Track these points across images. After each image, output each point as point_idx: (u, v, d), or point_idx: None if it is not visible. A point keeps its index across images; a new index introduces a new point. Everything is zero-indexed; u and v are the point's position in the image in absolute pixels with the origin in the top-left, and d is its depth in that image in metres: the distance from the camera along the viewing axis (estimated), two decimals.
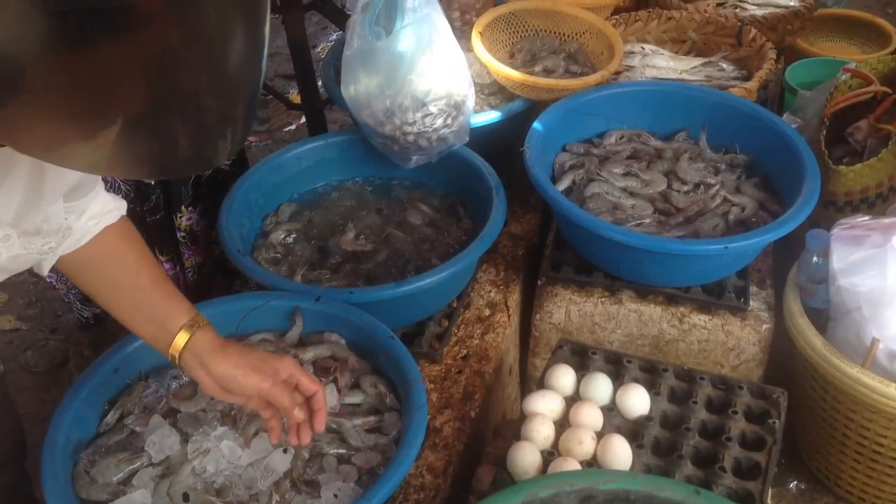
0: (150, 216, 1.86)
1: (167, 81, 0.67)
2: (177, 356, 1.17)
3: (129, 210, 1.79)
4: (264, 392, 1.16)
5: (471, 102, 1.79)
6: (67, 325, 2.53)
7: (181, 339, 1.16)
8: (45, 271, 1.15)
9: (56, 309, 2.63)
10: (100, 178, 1.15)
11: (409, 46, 1.68)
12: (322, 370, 1.42)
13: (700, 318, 1.72)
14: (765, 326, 1.71)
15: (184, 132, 0.71)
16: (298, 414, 1.18)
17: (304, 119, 3.06)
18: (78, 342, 2.29)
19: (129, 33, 0.64)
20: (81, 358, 2.29)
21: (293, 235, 1.82)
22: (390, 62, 1.69)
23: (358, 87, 1.75)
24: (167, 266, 1.94)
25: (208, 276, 1.96)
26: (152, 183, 1.81)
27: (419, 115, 1.73)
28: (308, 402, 1.21)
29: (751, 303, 1.73)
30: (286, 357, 1.22)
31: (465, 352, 1.70)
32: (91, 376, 1.37)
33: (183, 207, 1.85)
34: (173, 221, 1.88)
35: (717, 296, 1.73)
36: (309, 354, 1.44)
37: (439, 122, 1.76)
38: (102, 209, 1.16)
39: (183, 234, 1.89)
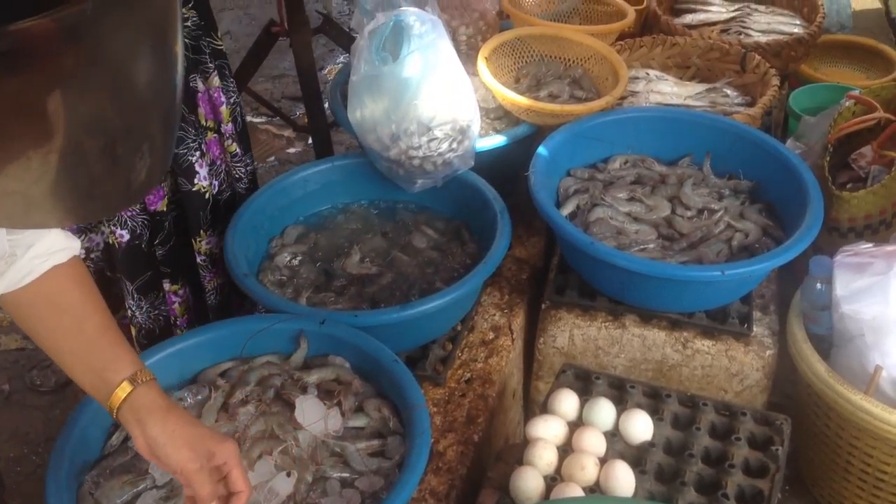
0: (160, 248, 1.87)
1: (71, 109, 0.66)
2: (114, 409, 1.11)
3: (133, 246, 1.82)
4: (187, 473, 1.09)
5: (476, 127, 1.81)
6: None
7: (121, 391, 1.10)
8: None
9: None
10: None
11: (416, 72, 1.70)
12: (326, 393, 1.43)
13: (703, 344, 1.73)
14: (768, 352, 1.72)
15: (99, 158, 0.69)
16: None
17: (310, 140, 3.07)
18: None
19: (23, 70, 0.62)
20: None
21: (299, 258, 1.83)
22: (396, 87, 1.71)
23: (364, 111, 1.77)
24: (181, 293, 1.95)
25: (228, 297, 1.97)
26: (164, 209, 1.83)
27: (424, 139, 1.75)
28: (229, 499, 1.12)
29: (754, 328, 1.73)
30: (228, 442, 1.14)
31: (468, 375, 1.70)
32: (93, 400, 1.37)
33: (202, 231, 1.87)
34: (191, 246, 1.90)
35: (721, 321, 1.73)
36: (313, 377, 1.45)
37: (444, 146, 1.77)
38: (50, 248, 1.10)
39: (203, 257, 1.90)
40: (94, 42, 0.64)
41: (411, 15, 1.72)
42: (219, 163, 1.85)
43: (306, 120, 2.91)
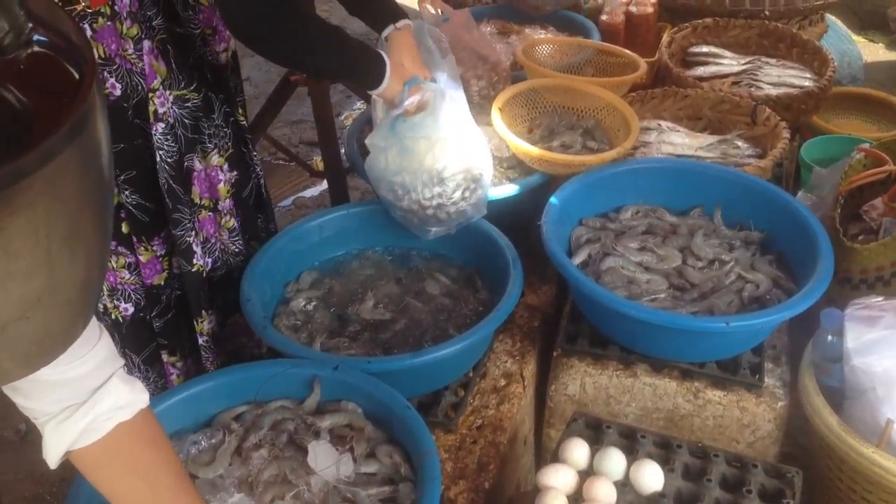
0: (157, 320, 1.87)
1: None
2: None
3: (138, 318, 1.84)
4: None
5: (488, 176, 1.84)
6: None
7: None
8: (51, 460, 1.08)
9: None
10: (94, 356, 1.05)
11: (430, 124, 1.74)
12: (339, 438, 1.44)
13: (715, 394, 1.73)
14: (780, 404, 1.72)
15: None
16: None
17: (325, 185, 3.12)
18: None
19: None
20: None
21: (313, 303, 1.85)
22: (411, 139, 1.75)
23: (378, 162, 1.80)
24: (178, 365, 1.95)
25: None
26: (162, 283, 1.85)
27: (437, 189, 1.78)
28: None
29: (766, 379, 1.73)
30: None
31: (480, 421, 1.71)
32: None
33: (204, 312, 1.88)
34: (192, 326, 1.91)
35: (733, 372, 1.74)
36: (326, 422, 1.46)
37: (457, 195, 1.81)
38: (115, 404, 1.06)
39: (206, 338, 1.91)
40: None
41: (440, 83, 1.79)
42: (213, 241, 1.87)
43: (322, 165, 2.96)
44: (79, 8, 1.57)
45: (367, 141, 1.82)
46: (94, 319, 1.02)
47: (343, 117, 4.11)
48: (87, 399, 1.04)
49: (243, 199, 1.89)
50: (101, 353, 1.04)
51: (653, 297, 1.76)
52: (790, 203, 1.87)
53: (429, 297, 1.86)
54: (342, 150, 2.78)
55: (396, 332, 1.76)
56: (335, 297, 1.88)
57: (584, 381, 1.80)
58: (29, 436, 2.44)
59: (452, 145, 1.76)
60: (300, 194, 3.69)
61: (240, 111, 1.86)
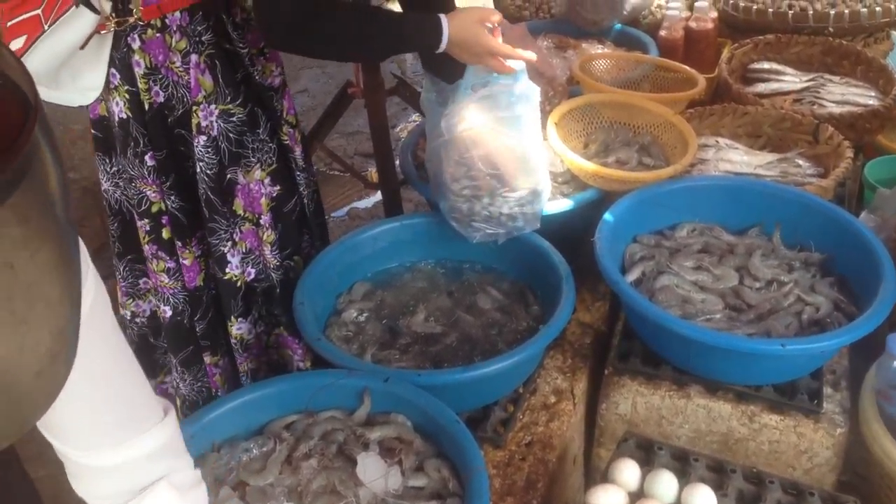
0: (200, 322, 1.92)
1: None
2: None
3: (176, 321, 1.89)
4: None
5: (547, 193, 1.83)
6: None
7: None
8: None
9: None
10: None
11: (501, 130, 1.74)
12: (387, 451, 1.44)
13: (771, 418, 1.69)
14: (839, 430, 1.67)
15: None
16: None
17: (379, 196, 3.14)
18: None
19: None
20: None
21: (365, 314, 1.86)
22: (490, 128, 1.75)
23: (440, 163, 1.80)
24: (220, 363, 1.99)
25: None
26: (202, 284, 1.89)
27: (501, 190, 1.78)
28: None
29: (825, 405, 1.69)
30: None
31: (529, 438, 1.70)
32: None
33: (233, 317, 1.92)
34: (226, 326, 1.95)
35: (790, 396, 1.70)
36: (375, 434, 1.47)
37: (513, 203, 1.80)
38: None
39: (235, 341, 1.96)
40: None
41: (520, 83, 1.76)
42: (256, 253, 1.90)
43: (377, 177, 2.98)
44: (131, 20, 1.62)
45: (441, 123, 1.78)
46: (154, 397, 1.03)
47: (398, 129, 4.15)
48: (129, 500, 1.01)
49: (284, 213, 1.92)
50: (162, 436, 1.02)
51: (708, 316, 1.73)
52: (853, 224, 1.82)
53: (480, 312, 1.86)
54: (397, 162, 2.79)
55: (447, 345, 1.76)
56: (387, 309, 1.89)
57: (635, 401, 1.78)
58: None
59: (521, 152, 1.75)
60: (354, 205, 3.73)
61: (285, 130, 1.89)
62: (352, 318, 1.85)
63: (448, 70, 1.79)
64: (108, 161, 1.85)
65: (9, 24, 1.58)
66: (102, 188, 1.89)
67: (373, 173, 3.58)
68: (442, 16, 1.66)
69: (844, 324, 1.66)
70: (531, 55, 1.74)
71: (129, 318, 2.00)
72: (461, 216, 1.83)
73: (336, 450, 1.45)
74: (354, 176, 3.50)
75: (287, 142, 1.90)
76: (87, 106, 1.76)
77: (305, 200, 2.00)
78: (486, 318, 1.84)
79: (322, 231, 2.18)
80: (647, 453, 1.49)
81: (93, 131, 1.83)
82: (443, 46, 1.66)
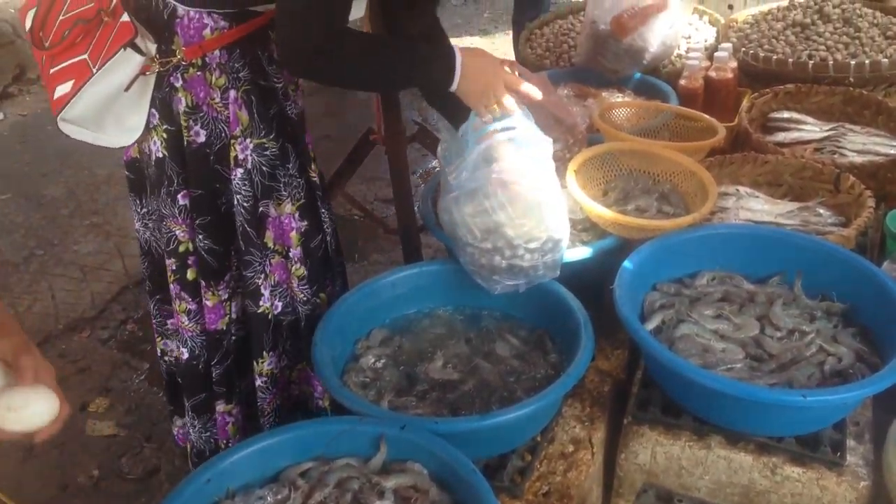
0: (217, 367, 1.92)
1: None
2: None
3: (191, 366, 1.90)
4: None
5: (566, 242, 1.83)
6: (162, 433, 2.61)
7: None
8: None
9: (153, 416, 2.73)
10: None
11: (516, 183, 1.74)
12: (403, 500, 1.43)
13: (793, 471, 1.66)
14: (862, 483, 1.64)
15: None
16: None
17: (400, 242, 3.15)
18: (171, 452, 2.36)
19: None
20: (173, 467, 2.35)
21: (383, 360, 1.86)
22: (494, 195, 1.74)
23: (456, 213, 1.80)
24: (234, 412, 1.98)
25: (288, 421, 2.00)
26: (224, 328, 1.89)
27: (519, 241, 1.78)
28: None
29: (848, 457, 1.66)
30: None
31: (546, 488, 1.67)
32: (184, 489, 1.41)
33: (265, 353, 1.92)
34: (250, 368, 1.95)
35: (812, 448, 1.67)
36: (391, 482, 1.46)
37: (534, 253, 1.80)
38: None
39: (264, 379, 1.95)
40: None
41: (520, 129, 1.76)
42: (284, 286, 1.91)
43: (397, 223, 3.00)
44: (174, 60, 1.66)
45: (450, 178, 1.79)
46: None
47: (418, 175, 4.17)
48: None
49: (312, 248, 1.93)
50: None
51: (728, 366, 1.71)
52: (875, 274, 1.81)
53: (498, 359, 1.85)
54: (416, 208, 2.81)
55: (464, 392, 1.75)
56: (404, 356, 1.88)
57: (655, 451, 1.75)
58: (101, 482, 2.49)
59: (536, 199, 1.75)
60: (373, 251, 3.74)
61: (312, 165, 1.92)
62: (369, 364, 1.85)
63: (452, 106, 1.80)
64: (138, 202, 1.88)
65: (52, 70, 1.63)
66: (135, 227, 1.93)
67: (392, 219, 3.60)
68: (455, 46, 1.69)
69: (867, 374, 1.63)
70: (540, 94, 1.75)
71: (160, 354, 2.02)
72: (481, 269, 1.83)
73: (351, 498, 1.43)
74: (374, 221, 3.52)
75: (314, 178, 1.93)
76: (121, 148, 1.80)
77: (330, 238, 2.01)
78: (505, 366, 1.83)
79: (342, 273, 2.19)
80: None
81: (126, 173, 1.87)
82: (457, 74, 1.67)
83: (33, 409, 1.08)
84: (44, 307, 3.34)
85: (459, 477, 1.44)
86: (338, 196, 3.05)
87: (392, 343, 1.92)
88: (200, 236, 1.81)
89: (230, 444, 2.00)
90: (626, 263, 1.85)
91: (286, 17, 1.61)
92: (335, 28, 1.60)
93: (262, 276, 1.85)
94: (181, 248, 1.84)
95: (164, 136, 1.75)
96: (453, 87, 1.69)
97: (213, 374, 1.92)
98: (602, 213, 1.96)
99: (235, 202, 1.78)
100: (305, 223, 1.90)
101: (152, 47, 1.66)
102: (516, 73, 2.08)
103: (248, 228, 1.80)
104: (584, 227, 2.10)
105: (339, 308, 1.87)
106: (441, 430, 1.53)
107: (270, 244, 1.86)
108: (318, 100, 4.62)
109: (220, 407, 1.96)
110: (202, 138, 1.74)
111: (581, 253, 1.96)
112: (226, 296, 1.87)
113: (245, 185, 1.77)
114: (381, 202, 4.00)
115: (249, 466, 1.49)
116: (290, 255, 1.89)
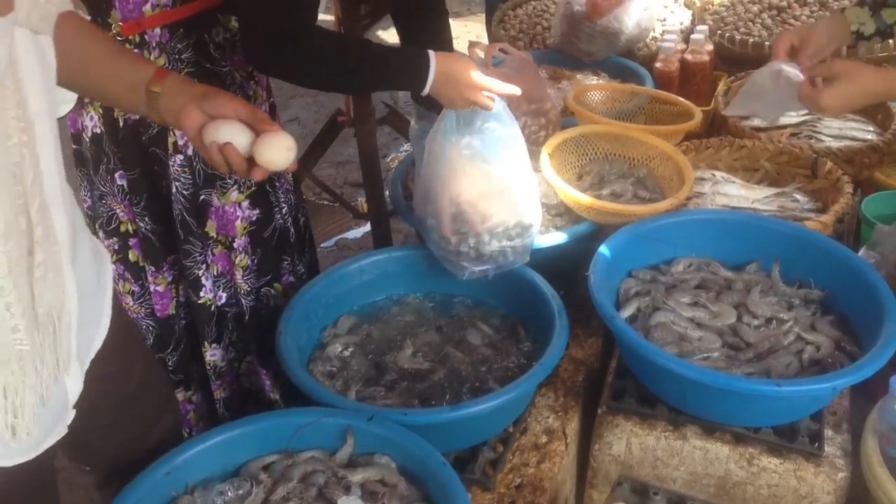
0: (172, 355, 1.88)
1: None
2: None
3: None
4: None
5: (537, 227, 1.78)
6: None
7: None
8: None
9: None
10: None
11: (484, 162, 1.69)
12: (370, 494, 1.38)
13: (770, 461, 1.63)
14: (840, 474, 1.61)
15: None
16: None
17: (369, 227, 3.09)
18: None
19: None
20: None
21: (350, 349, 1.80)
22: (464, 174, 1.70)
23: (426, 190, 1.75)
24: (194, 399, 1.96)
25: (239, 412, 1.95)
26: (173, 312, 1.84)
27: (485, 226, 1.73)
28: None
29: (826, 448, 1.63)
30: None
31: (519, 480, 1.63)
32: (141, 483, 1.35)
33: (207, 343, 1.87)
34: (200, 357, 1.91)
35: (790, 438, 1.64)
36: (358, 476, 1.40)
37: (502, 237, 1.75)
38: None
39: (209, 368, 1.91)
40: None
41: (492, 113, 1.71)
42: (228, 277, 1.85)
43: (366, 207, 2.94)
44: (109, 34, 1.59)
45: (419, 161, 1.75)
46: None
47: (389, 159, 4.11)
48: None
49: (264, 238, 1.87)
50: None
51: (705, 355, 1.68)
52: (854, 261, 1.78)
53: (470, 347, 1.80)
54: (386, 193, 2.75)
55: (435, 382, 1.70)
56: (373, 344, 1.82)
57: (630, 442, 1.72)
58: (62, 473, 2.40)
59: (507, 185, 1.70)
60: (343, 235, 3.68)
61: None
62: (336, 353, 1.79)
63: (435, 101, 1.75)
64: (81, 176, 1.81)
65: None
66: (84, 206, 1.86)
67: (362, 203, 3.54)
68: (430, 51, 1.63)
69: (846, 364, 1.60)
70: (515, 89, 1.69)
71: None
72: (449, 254, 1.78)
73: (316, 493, 1.38)
74: (343, 206, 3.46)
75: None
76: (65, 118, 1.72)
77: (290, 226, 1.95)
78: (476, 355, 1.77)
79: (312, 261, 2.13)
80: (643, 498, 1.44)
81: (73, 146, 1.79)
82: (431, 75, 1.61)
83: (294, 146, 1.25)
84: None
85: (429, 470, 1.40)
86: (306, 180, 2.98)
87: (360, 331, 1.85)
88: (144, 218, 1.75)
89: (194, 433, 1.94)
90: (602, 249, 1.80)
91: (246, 2, 1.55)
92: (298, 18, 1.54)
93: (204, 266, 1.79)
94: (122, 228, 1.78)
95: (100, 111, 1.68)
96: (425, 92, 1.64)
97: (169, 363, 1.86)
98: (577, 197, 1.91)
99: (174, 189, 1.71)
100: (257, 212, 1.84)
101: (86, 18, 1.58)
102: (502, 54, 2.02)
103: (188, 217, 1.73)
104: (559, 212, 2.05)
105: (304, 295, 1.80)
106: (410, 421, 1.48)
107: (213, 234, 1.79)
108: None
109: (181, 395, 1.90)
110: (136, 116, 1.67)
111: (555, 238, 1.91)
112: (171, 278, 1.82)
113: (185, 172, 1.70)
114: (351, 186, 3.94)
115: (209, 460, 1.43)
116: (234, 245, 1.82)
